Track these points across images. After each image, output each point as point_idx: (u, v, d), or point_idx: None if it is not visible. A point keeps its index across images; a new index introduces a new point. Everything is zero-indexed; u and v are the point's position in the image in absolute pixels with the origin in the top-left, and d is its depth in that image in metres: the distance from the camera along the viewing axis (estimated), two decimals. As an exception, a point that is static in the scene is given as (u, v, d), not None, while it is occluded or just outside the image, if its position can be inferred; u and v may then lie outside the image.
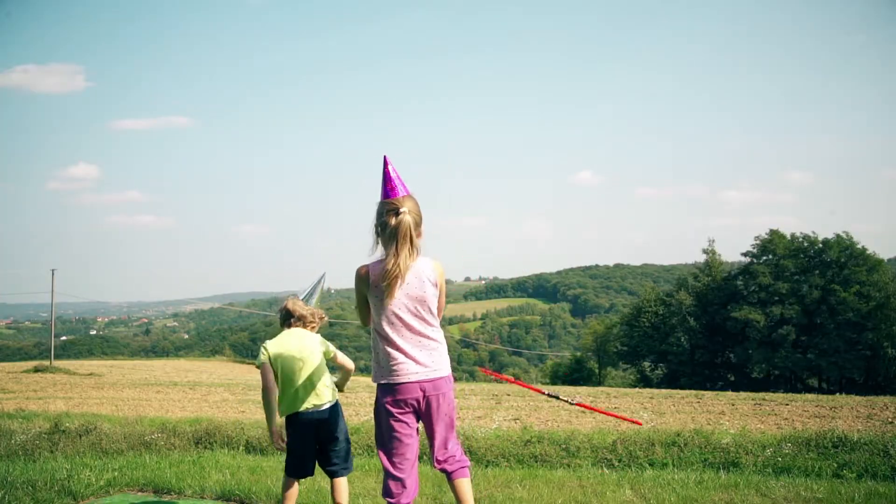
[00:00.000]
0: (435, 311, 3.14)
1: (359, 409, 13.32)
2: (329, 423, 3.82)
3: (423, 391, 3.06)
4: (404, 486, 3.08)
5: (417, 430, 3.17)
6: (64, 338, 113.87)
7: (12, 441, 6.62)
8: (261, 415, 12.44)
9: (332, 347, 3.98)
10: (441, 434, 3.14)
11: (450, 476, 3.18)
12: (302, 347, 3.82)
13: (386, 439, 3.10)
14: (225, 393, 18.51)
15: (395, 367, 3.05)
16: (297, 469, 3.87)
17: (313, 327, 3.96)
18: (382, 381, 3.09)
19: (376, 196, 3.15)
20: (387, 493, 3.10)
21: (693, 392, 19.43)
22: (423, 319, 3.09)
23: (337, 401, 3.92)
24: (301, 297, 4.07)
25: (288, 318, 3.96)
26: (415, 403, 3.07)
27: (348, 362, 4.06)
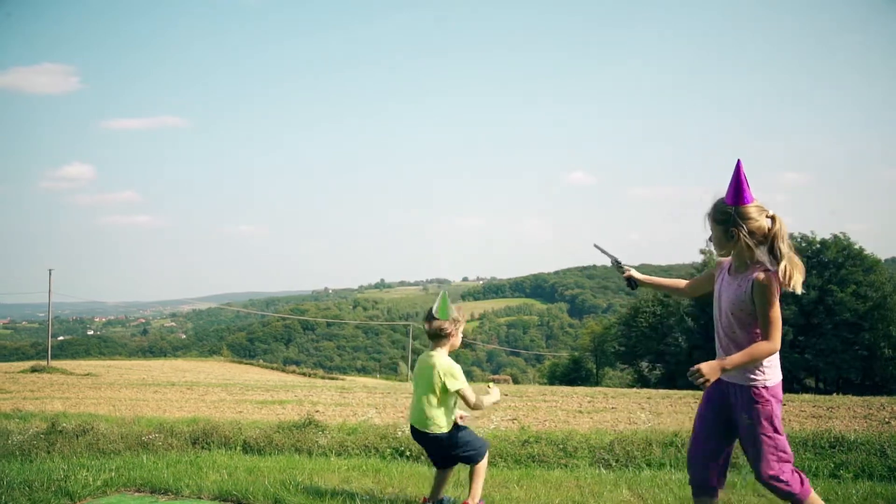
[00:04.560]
0: None
1: (356, 409, 13.31)
2: (437, 447, 4.00)
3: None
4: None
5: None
6: (61, 338, 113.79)
7: (9, 441, 6.60)
8: (258, 415, 12.46)
9: (458, 383, 3.90)
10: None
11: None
12: (420, 371, 4.00)
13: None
14: (222, 393, 18.49)
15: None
16: (433, 462, 4.22)
17: (451, 339, 3.98)
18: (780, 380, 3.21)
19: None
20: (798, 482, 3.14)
21: (690, 392, 19.41)
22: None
23: (450, 432, 3.95)
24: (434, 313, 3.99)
25: (432, 335, 4.02)
26: None
27: (470, 397, 3.95)
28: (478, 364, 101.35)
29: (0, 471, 5.26)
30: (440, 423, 3.92)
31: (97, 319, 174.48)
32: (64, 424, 7.47)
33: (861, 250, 40.79)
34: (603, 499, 4.41)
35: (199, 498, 4.63)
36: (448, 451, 3.96)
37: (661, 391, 21.81)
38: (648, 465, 5.71)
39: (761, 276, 3.02)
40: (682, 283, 3.75)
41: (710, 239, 3.27)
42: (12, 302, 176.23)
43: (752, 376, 3.11)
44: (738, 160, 3.09)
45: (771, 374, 3.14)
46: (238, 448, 6.65)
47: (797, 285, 3.02)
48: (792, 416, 11.52)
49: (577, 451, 6.06)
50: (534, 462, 5.91)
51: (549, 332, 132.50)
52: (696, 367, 3.00)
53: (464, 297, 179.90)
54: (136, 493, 4.82)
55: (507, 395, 17.11)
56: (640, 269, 3.95)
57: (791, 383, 40.83)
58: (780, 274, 3.01)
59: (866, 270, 39.67)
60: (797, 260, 3.07)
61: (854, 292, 38.55)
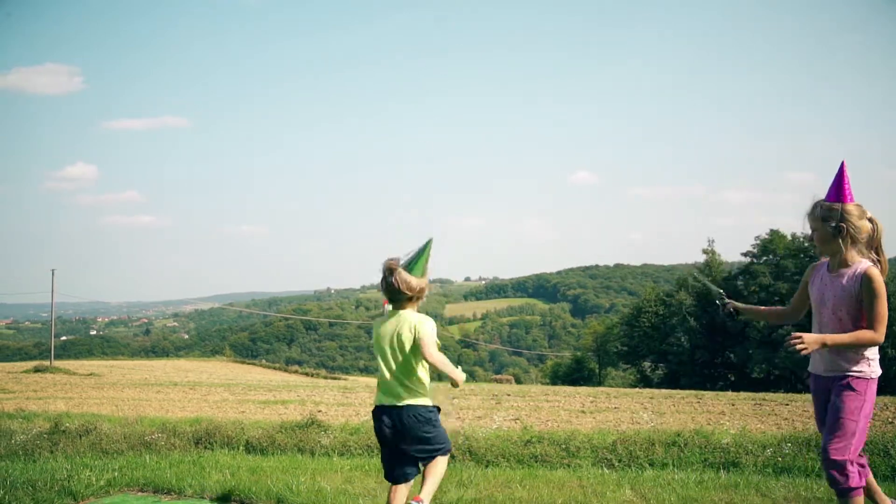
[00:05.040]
0: None
1: (359, 409, 13.31)
2: (402, 428, 3.34)
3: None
4: None
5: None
6: (64, 338, 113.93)
7: (12, 441, 6.62)
8: (261, 415, 12.46)
9: (424, 331, 3.32)
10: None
11: None
12: (390, 332, 3.37)
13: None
14: (225, 393, 18.50)
15: None
16: (386, 472, 3.50)
17: (418, 303, 3.44)
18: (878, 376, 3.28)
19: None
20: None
21: (693, 392, 19.43)
22: None
23: (423, 405, 3.37)
24: (402, 264, 3.39)
25: (395, 297, 3.38)
26: None
27: (436, 358, 3.33)
28: (480, 364, 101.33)
29: (4, 470, 5.28)
30: (420, 390, 3.36)
31: (100, 319, 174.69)
32: (67, 424, 7.49)
33: (863, 250, 40.69)
34: (606, 499, 4.41)
35: (202, 498, 4.64)
36: (419, 430, 3.34)
37: (664, 391, 21.80)
38: (651, 464, 5.70)
39: (872, 269, 3.17)
40: (782, 307, 3.81)
41: (811, 238, 3.40)
42: (15, 302, 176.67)
43: (857, 368, 3.22)
44: (843, 161, 3.27)
45: (874, 367, 3.25)
46: (241, 448, 6.66)
47: None
48: (795, 415, 11.51)
49: (579, 451, 6.06)
50: (537, 462, 5.90)
51: (552, 331, 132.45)
52: (799, 333, 3.16)
53: (466, 297, 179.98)
54: (140, 493, 4.83)
55: (509, 395, 17.11)
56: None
57: (794, 383, 40.84)
58: (883, 270, 3.22)
59: (869, 270, 39.59)
60: (886, 260, 3.30)
61: (857, 292, 38.48)
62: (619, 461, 5.78)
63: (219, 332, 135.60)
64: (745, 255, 44.81)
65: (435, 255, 3.52)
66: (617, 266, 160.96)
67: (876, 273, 3.15)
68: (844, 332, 3.20)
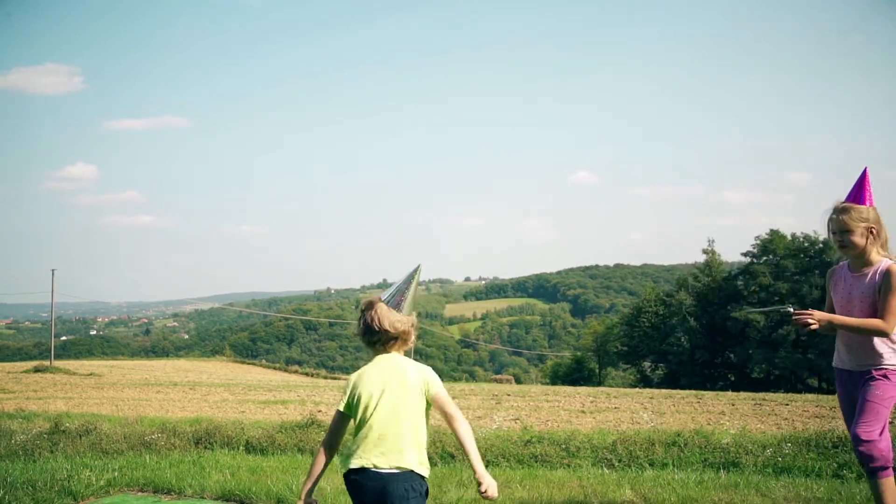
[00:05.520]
0: None
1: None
2: (387, 498, 2.52)
3: None
4: None
5: None
6: (64, 338, 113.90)
7: (12, 441, 6.62)
8: (261, 415, 12.45)
9: (439, 384, 2.66)
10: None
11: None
12: (389, 379, 2.66)
13: None
14: (225, 393, 18.50)
15: None
16: None
17: (408, 343, 2.76)
18: None
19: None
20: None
21: (693, 392, 19.43)
22: None
23: (422, 477, 2.59)
24: (384, 299, 2.73)
25: (376, 337, 2.70)
26: None
27: (455, 412, 2.63)
28: (480, 364, 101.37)
29: (4, 470, 5.28)
30: (423, 458, 2.63)
31: (100, 319, 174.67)
32: (67, 424, 7.49)
33: (864, 250, 40.70)
34: (606, 499, 4.41)
35: (202, 498, 4.64)
36: None
37: (664, 391, 21.80)
38: (651, 464, 5.70)
39: (894, 266, 3.39)
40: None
41: (839, 240, 3.57)
42: (15, 302, 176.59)
43: (883, 360, 3.41)
44: (865, 168, 3.54)
45: None
46: (241, 448, 6.66)
47: None
48: (795, 415, 11.51)
49: (579, 451, 6.06)
50: (537, 462, 5.91)
51: (552, 331, 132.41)
52: (807, 311, 3.45)
53: (466, 297, 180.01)
54: (139, 493, 4.83)
55: (509, 395, 17.11)
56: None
57: (794, 383, 40.84)
58: None
59: (869, 270, 39.59)
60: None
61: (857, 292, 38.48)
62: (619, 461, 5.78)
63: (219, 332, 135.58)
64: (745, 255, 44.83)
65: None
66: (617, 266, 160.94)
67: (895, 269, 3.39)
68: None
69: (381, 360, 2.72)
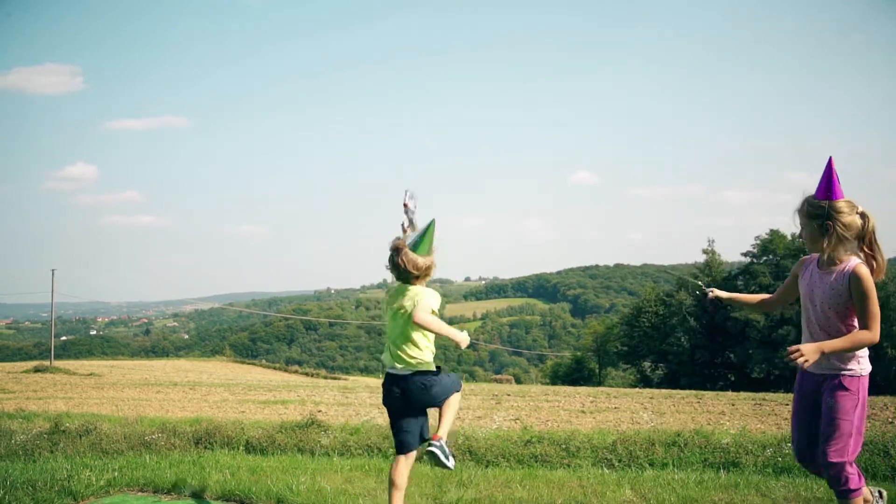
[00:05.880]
0: None
1: (359, 409, 13.31)
2: (409, 395, 3.45)
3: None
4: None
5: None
6: (64, 338, 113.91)
7: (12, 441, 6.62)
8: (261, 415, 12.46)
9: (421, 297, 3.42)
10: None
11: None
12: (394, 302, 3.53)
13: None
14: (225, 393, 18.51)
15: None
16: (397, 443, 3.55)
17: (423, 280, 3.54)
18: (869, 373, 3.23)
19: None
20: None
21: (693, 392, 19.43)
22: None
23: (425, 372, 3.45)
24: (409, 245, 3.48)
25: (403, 276, 3.50)
26: None
27: (429, 322, 3.39)
28: (480, 364, 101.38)
29: (4, 470, 5.28)
30: (421, 357, 3.49)
31: (100, 319, 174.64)
32: (67, 424, 7.49)
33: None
34: (606, 499, 4.41)
35: (202, 498, 4.64)
36: (425, 396, 3.48)
37: (664, 391, 21.80)
38: (651, 464, 5.71)
39: (861, 268, 3.09)
40: (767, 296, 3.77)
41: (800, 235, 3.36)
42: (15, 302, 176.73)
43: (846, 366, 3.18)
44: (830, 157, 3.19)
45: (865, 364, 3.21)
46: (241, 448, 6.66)
47: (880, 278, 3.17)
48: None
49: (579, 451, 6.06)
50: (536, 462, 5.91)
51: (552, 331, 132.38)
52: (797, 346, 3.08)
53: (466, 297, 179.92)
54: (139, 493, 4.83)
55: (509, 395, 17.11)
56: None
57: (793, 383, 40.89)
58: (874, 268, 3.14)
59: (869, 270, 39.59)
60: (883, 255, 3.19)
61: (857, 292, 38.46)
62: (619, 461, 5.78)
63: (219, 332, 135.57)
64: (745, 255, 44.85)
65: (437, 257, 3.54)
66: (617, 266, 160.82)
67: (864, 271, 3.08)
68: (831, 328, 3.18)
69: (403, 286, 3.51)
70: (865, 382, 3.20)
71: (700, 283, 3.84)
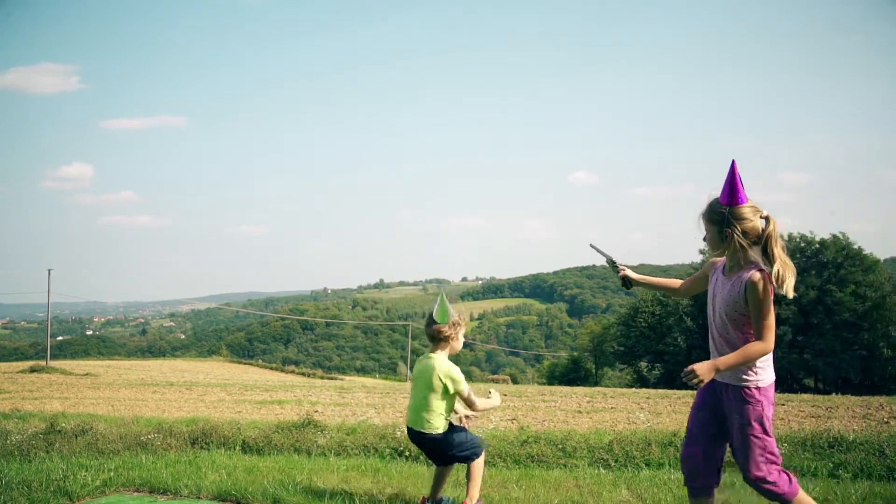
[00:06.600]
0: None
1: (355, 409, 13.31)
2: (432, 447, 4.05)
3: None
4: None
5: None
6: (60, 338, 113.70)
7: (8, 441, 6.60)
8: (257, 415, 12.45)
9: (458, 385, 3.98)
10: None
11: None
12: (422, 372, 4.04)
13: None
14: (221, 393, 18.49)
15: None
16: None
17: (451, 343, 4.08)
18: (773, 381, 3.18)
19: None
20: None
21: (689, 392, 19.43)
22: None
23: (445, 433, 3.99)
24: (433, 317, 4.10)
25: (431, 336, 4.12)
26: None
27: (475, 402, 4.08)
28: (477, 364, 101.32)
29: (-1, 471, 5.26)
30: (436, 423, 3.97)
31: (96, 319, 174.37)
32: (63, 424, 7.47)
33: (860, 250, 40.83)
34: (602, 499, 4.41)
35: (198, 498, 4.63)
36: (444, 451, 4.01)
37: (660, 391, 21.83)
38: (647, 464, 5.71)
39: (756, 276, 2.99)
40: (677, 282, 3.72)
41: (704, 239, 3.27)
42: (11, 302, 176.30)
43: (745, 377, 3.10)
44: (733, 161, 3.10)
45: (764, 374, 3.12)
46: (237, 448, 6.65)
47: (789, 289, 2.99)
48: (791, 415, 11.53)
49: (576, 451, 6.06)
50: (533, 462, 5.91)
51: (549, 332, 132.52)
52: (690, 367, 3.02)
53: (463, 298, 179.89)
54: (135, 493, 4.82)
55: (506, 395, 17.12)
56: (640, 269, 3.93)
57: (790, 383, 40.90)
58: (773, 276, 2.98)
59: (865, 270, 39.71)
60: (789, 262, 3.04)
61: (853, 292, 38.58)
62: (616, 461, 5.79)
63: (215, 333, 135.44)
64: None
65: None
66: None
67: (760, 279, 2.97)
68: (729, 336, 3.13)
69: (428, 357, 4.07)
70: (768, 391, 3.13)
71: (612, 256, 3.77)
